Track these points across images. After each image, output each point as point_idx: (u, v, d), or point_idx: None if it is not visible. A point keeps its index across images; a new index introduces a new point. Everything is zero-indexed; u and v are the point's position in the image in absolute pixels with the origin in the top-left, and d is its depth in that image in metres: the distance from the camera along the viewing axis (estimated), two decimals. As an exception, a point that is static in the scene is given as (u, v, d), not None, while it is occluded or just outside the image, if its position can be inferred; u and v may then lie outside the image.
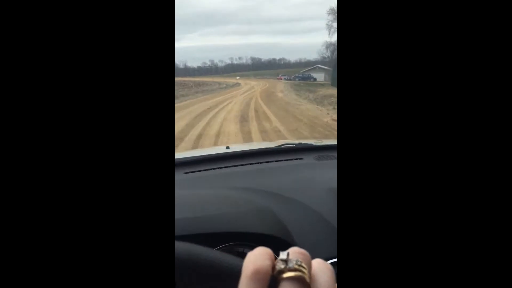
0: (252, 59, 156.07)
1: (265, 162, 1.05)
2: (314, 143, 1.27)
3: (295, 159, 1.09)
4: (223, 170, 1.00)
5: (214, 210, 0.65)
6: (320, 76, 42.61)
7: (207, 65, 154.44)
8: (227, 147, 1.25)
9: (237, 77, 48.05)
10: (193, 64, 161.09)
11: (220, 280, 0.30)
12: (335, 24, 41.28)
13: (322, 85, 30.28)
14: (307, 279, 0.22)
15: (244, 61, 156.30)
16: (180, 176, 0.96)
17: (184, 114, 9.03)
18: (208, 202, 0.70)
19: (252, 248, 0.29)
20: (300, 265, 0.23)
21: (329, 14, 40.99)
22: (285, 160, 1.08)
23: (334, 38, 45.25)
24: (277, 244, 0.48)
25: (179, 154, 1.18)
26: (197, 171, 1.00)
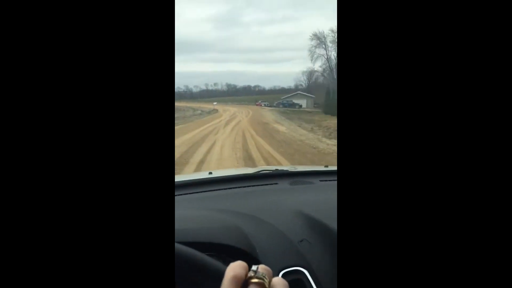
0: (228, 85, 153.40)
1: (243, 187, 1.10)
2: (289, 169, 1.30)
3: (271, 184, 1.13)
4: (203, 194, 1.06)
5: (190, 224, 0.73)
6: (302, 103, 39.35)
7: (182, 90, 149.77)
8: (210, 173, 1.29)
9: (214, 103, 42.22)
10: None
11: (207, 279, 0.37)
12: (318, 50, 38.62)
13: (309, 112, 26.77)
14: (267, 286, 0.31)
15: (219, 87, 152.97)
16: None
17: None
18: (185, 219, 0.77)
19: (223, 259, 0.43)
20: (264, 276, 0.31)
21: (312, 39, 38.27)
22: (261, 185, 1.12)
23: (316, 64, 43.02)
24: (242, 256, 0.51)
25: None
26: (180, 194, 1.04)
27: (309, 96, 42.82)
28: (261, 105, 45.85)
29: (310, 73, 49.50)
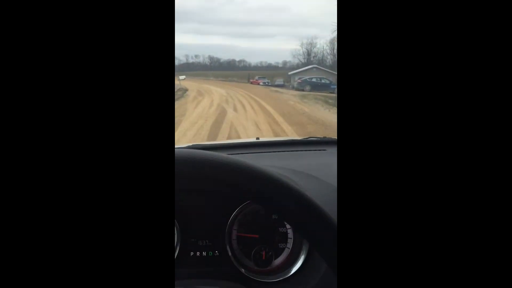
0: (210, 58, 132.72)
1: (291, 151, 1.09)
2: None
3: (319, 150, 1.12)
4: (250, 154, 1.06)
5: None
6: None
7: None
8: (257, 138, 1.27)
9: (181, 77, 23.08)
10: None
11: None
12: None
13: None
14: None
15: (201, 59, 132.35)
16: None
17: None
18: None
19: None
20: None
21: None
22: (308, 150, 1.11)
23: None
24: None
25: (216, 141, 1.40)
26: (231, 154, 1.01)
27: (329, 72, 26.63)
28: (258, 83, 29.25)
29: (311, 45, 33.56)
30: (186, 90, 16.56)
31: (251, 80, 32.65)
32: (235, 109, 8.89)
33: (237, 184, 0.37)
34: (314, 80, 19.87)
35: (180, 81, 18.72)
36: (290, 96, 13.73)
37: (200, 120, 6.96)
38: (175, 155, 0.34)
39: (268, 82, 29.46)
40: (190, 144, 1.07)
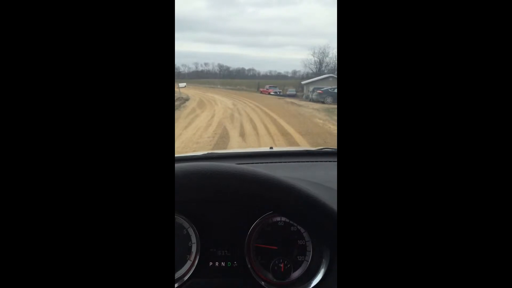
0: (220, 66, 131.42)
1: (305, 161, 1.09)
2: None
3: (333, 161, 1.11)
4: (266, 164, 1.08)
5: None
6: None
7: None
8: (271, 148, 1.28)
9: (181, 84, 17.88)
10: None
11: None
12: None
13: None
14: None
15: (210, 67, 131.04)
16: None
17: None
18: None
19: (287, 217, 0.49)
20: None
21: None
22: (323, 161, 1.11)
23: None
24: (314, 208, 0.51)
25: (230, 150, 1.31)
26: (245, 163, 1.04)
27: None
28: (269, 93, 26.71)
29: (323, 54, 31.10)
30: (186, 99, 14.01)
31: (261, 89, 30.11)
32: (242, 134, 6.19)
33: (260, 195, 0.38)
34: (336, 90, 17.10)
35: (180, 89, 16.12)
36: (312, 111, 11.01)
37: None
38: (199, 168, 0.35)
39: (279, 92, 26.91)
40: (206, 152, 1.07)
